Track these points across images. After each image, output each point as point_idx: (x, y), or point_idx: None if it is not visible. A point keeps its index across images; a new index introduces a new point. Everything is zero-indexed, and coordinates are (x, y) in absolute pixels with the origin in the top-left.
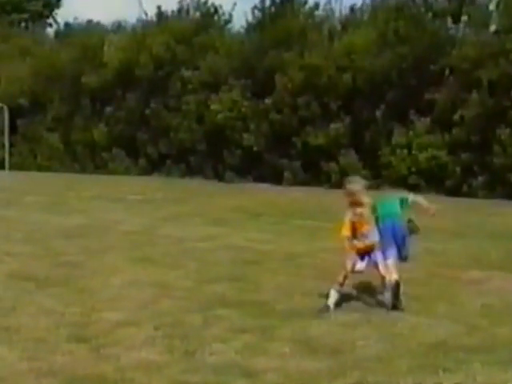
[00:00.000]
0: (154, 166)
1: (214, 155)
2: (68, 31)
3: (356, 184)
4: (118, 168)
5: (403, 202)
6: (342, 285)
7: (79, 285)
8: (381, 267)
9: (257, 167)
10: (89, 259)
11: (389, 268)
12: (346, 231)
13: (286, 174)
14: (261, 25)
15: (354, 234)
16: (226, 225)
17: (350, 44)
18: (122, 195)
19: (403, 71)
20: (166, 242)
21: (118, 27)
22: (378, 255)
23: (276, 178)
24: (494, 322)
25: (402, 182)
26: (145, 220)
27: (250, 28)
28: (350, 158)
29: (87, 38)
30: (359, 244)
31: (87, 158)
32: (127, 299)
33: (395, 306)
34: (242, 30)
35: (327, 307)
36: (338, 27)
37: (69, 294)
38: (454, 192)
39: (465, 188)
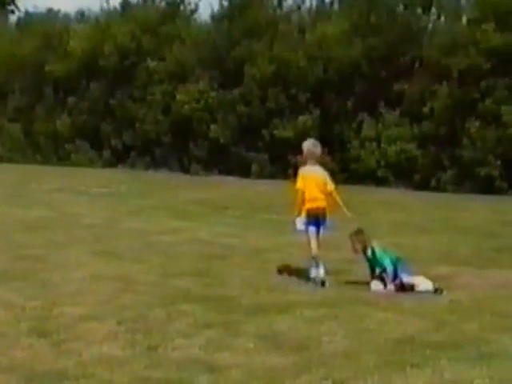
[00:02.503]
0: (119, 158)
1: (180, 147)
2: (29, 20)
3: (318, 148)
4: (81, 160)
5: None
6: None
7: (40, 278)
8: (315, 241)
9: (223, 160)
10: (51, 252)
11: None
12: (299, 184)
13: (254, 167)
14: (229, 15)
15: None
16: (191, 218)
17: (322, 35)
18: (85, 188)
19: (374, 62)
20: (129, 236)
21: (82, 16)
22: (322, 230)
23: (243, 171)
24: (461, 318)
25: (370, 176)
26: (108, 213)
27: (218, 18)
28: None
29: (50, 27)
30: (311, 204)
31: (50, 150)
32: (89, 293)
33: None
34: (209, 20)
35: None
36: (308, 18)
37: (30, 288)
38: (423, 186)
39: (433, 182)
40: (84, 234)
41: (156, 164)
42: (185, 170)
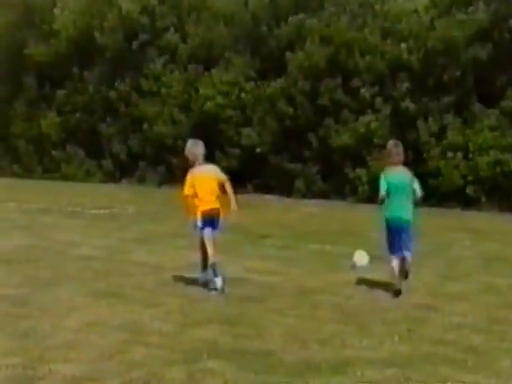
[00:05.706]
0: (123, 170)
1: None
2: None
3: (201, 147)
4: (74, 172)
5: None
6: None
7: (22, 327)
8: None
9: (260, 173)
10: (35, 293)
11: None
12: (187, 190)
13: (298, 183)
14: None
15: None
16: (219, 249)
17: (399, 7)
18: (79, 208)
19: (470, 40)
20: (138, 272)
21: None
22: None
23: (285, 188)
24: None
25: (455, 196)
26: (111, 242)
27: None
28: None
29: None
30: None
31: (33, 158)
32: (86, 346)
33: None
34: None
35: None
36: None
37: (8, 340)
38: None
39: None
40: (79, 268)
41: (172, 178)
42: None
